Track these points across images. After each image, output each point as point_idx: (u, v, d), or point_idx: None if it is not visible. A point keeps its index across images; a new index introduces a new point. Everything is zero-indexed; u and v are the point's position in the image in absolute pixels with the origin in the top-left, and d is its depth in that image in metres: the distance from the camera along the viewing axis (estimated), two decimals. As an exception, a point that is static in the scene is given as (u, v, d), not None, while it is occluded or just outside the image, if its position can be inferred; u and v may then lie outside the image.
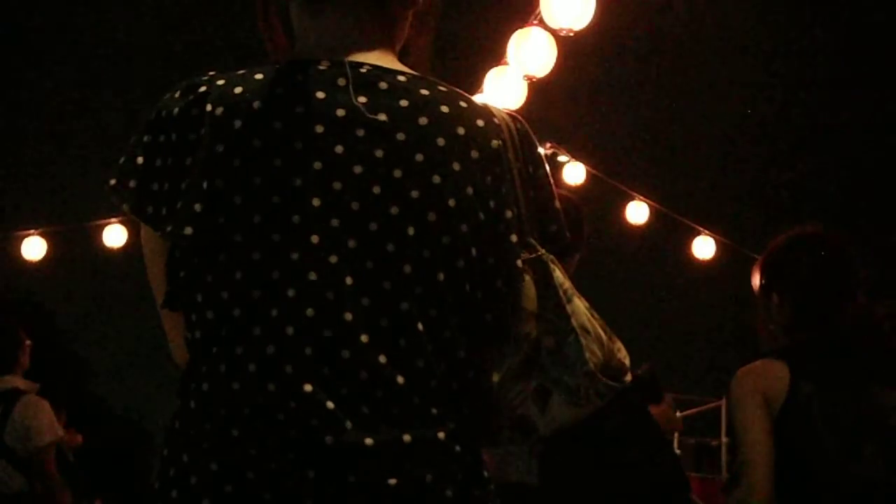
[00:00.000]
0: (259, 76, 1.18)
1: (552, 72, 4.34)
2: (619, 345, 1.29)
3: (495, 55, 4.49)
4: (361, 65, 1.21)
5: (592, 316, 1.28)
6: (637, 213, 7.28)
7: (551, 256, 1.28)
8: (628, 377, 1.30)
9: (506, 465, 2.49)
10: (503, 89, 4.55)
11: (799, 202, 8.40)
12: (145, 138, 1.17)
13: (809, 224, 2.58)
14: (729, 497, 2.25)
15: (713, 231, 7.56)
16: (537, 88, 4.52)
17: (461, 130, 1.21)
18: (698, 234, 7.61)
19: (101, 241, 7.03)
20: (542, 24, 4.16)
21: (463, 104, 1.24)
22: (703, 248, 7.60)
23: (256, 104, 1.15)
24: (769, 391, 2.19)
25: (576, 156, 7.03)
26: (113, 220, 7.02)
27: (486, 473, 1.22)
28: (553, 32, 4.15)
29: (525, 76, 4.39)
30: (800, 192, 8.35)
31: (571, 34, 3.98)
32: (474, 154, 1.21)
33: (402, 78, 1.22)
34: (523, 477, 2.51)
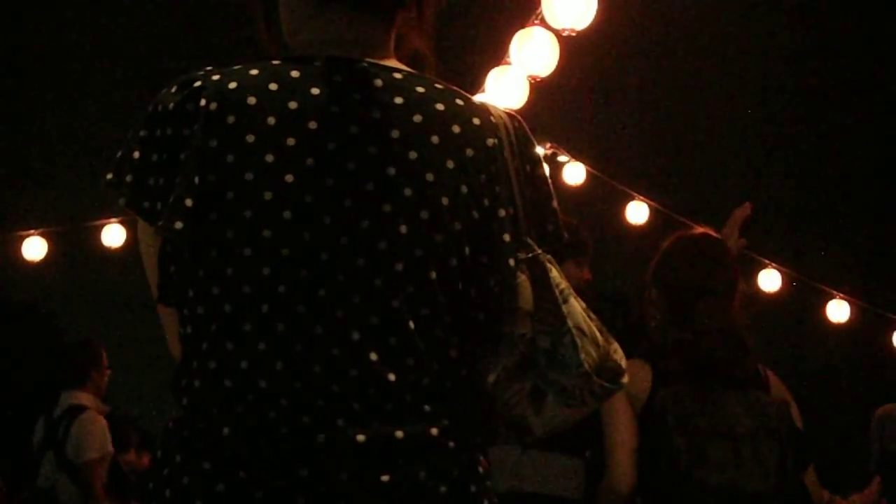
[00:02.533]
0: (254, 72, 1.17)
1: (553, 72, 4.33)
2: (615, 346, 1.29)
3: (497, 55, 4.49)
4: (357, 61, 1.21)
5: (589, 317, 1.27)
6: (637, 213, 7.27)
7: (548, 256, 1.27)
8: (624, 379, 1.29)
9: (545, 476, 2.50)
10: (505, 89, 4.54)
11: (799, 202, 8.40)
12: (142, 133, 1.17)
13: (701, 227, 2.67)
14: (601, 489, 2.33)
15: (713, 231, 7.55)
16: (538, 88, 4.52)
17: (456, 128, 1.21)
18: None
19: (101, 241, 7.02)
20: (543, 23, 4.15)
21: (459, 102, 1.23)
22: (704, 248, 7.57)
23: (251, 100, 1.14)
24: (632, 392, 2.26)
25: (576, 156, 7.02)
26: (113, 220, 7.01)
27: (482, 470, 1.21)
28: (555, 32, 4.15)
29: (528, 76, 4.38)
30: (800, 193, 8.35)
31: (573, 34, 3.98)
32: (469, 152, 1.20)
33: (397, 75, 1.22)
34: (561, 491, 2.52)
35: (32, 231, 7.03)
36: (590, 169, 7.02)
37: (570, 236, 2.75)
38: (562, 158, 6.92)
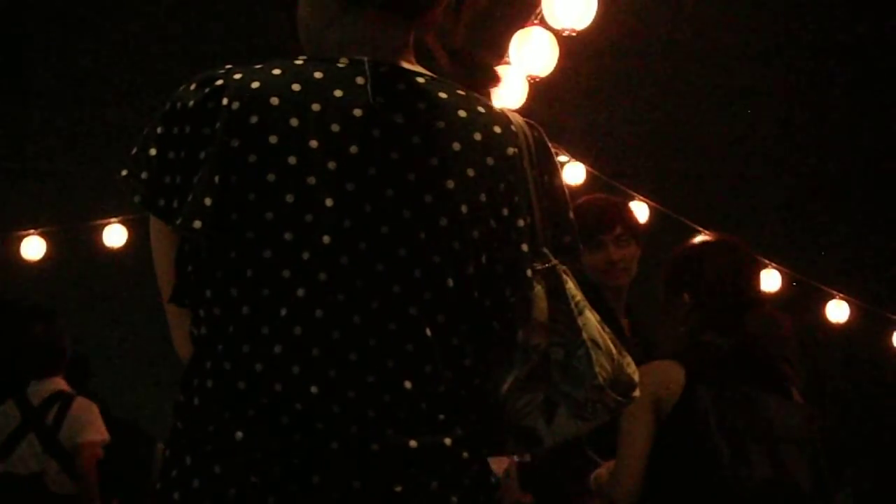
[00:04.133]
0: (277, 71, 1.16)
1: (553, 72, 4.34)
2: (628, 359, 1.28)
3: (496, 55, 4.48)
4: (381, 64, 1.20)
5: (603, 329, 1.27)
6: (637, 212, 7.26)
7: (564, 267, 1.26)
8: (636, 393, 1.29)
9: None
10: (505, 89, 4.54)
11: (799, 203, 8.39)
12: (159, 129, 1.15)
13: (720, 233, 2.66)
14: (601, 485, 2.32)
15: (713, 231, 7.55)
16: (538, 88, 4.51)
17: (478, 136, 1.20)
18: (698, 234, 7.59)
19: (101, 241, 7.02)
20: (543, 23, 4.15)
21: (481, 109, 1.23)
22: (704, 248, 7.57)
23: (273, 100, 1.13)
24: (662, 393, 2.25)
25: (576, 156, 7.02)
26: (113, 220, 7.00)
27: (493, 480, 1.21)
28: (554, 32, 4.15)
29: (527, 76, 4.38)
30: (800, 193, 8.34)
31: (573, 34, 3.98)
32: (489, 161, 1.20)
33: (420, 80, 1.21)
34: None
35: (32, 231, 7.03)
36: (590, 169, 7.02)
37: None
38: (562, 158, 6.92)
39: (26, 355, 4.18)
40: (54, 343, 4.24)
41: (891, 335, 7.48)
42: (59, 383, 4.16)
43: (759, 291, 2.46)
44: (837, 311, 7.45)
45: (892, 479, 7.01)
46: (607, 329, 1.27)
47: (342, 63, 1.19)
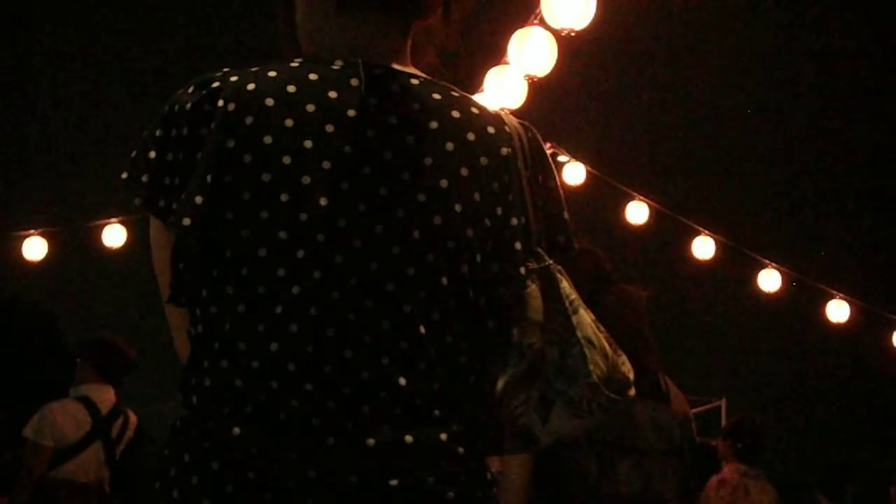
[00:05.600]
0: (272, 74, 1.18)
1: (552, 72, 4.34)
2: (623, 358, 1.29)
3: (495, 54, 4.49)
4: (375, 66, 1.21)
5: (598, 328, 1.28)
6: (637, 213, 7.27)
7: (559, 267, 1.27)
8: (631, 391, 1.29)
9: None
10: (503, 89, 4.55)
11: (799, 203, 8.41)
12: (158, 132, 1.17)
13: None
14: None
15: (713, 231, 7.57)
16: (537, 88, 4.52)
17: (471, 136, 1.21)
18: (698, 234, 7.60)
19: (101, 241, 7.03)
20: (542, 23, 4.16)
21: (474, 110, 1.24)
22: (703, 248, 7.60)
23: (269, 101, 1.15)
24: None
25: (576, 156, 7.03)
26: (113, 220, 7.02)
27: (489, 476, 1.21)
28: (554, 32, 4.15)
29: (526, 76, 4.39)
30: (801, 193, 8.35)
31: (572, 34, 3.98)
32: (483, 160, 1.21)
33: (414, 81, 1.22)
34: None
35: (32, 231, 7.04)
36: (590, 169, 7.03)
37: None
38: (562, 158, 6.92)
39: (111, 353, 4.17)
40: (128, 352, 4.27)
41: (891, 335, 7.48)
42: (116, 394, 4.18)
43: (608, 270, 2.49)
44: (837, 311, 7.45)
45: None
46: (602, 328, 1.28)
47: (337, 65, 1.20)
